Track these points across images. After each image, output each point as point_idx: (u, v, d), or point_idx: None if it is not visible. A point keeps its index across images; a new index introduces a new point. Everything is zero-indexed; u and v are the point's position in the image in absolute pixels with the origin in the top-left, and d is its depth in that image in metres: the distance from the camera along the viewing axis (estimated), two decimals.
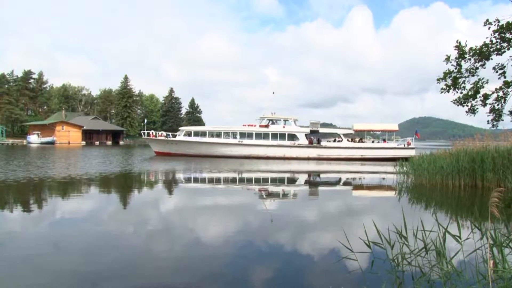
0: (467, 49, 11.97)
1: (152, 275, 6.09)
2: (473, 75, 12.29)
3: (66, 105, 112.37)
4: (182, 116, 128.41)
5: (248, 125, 42.56)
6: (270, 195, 15.71)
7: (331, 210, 12.65)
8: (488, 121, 12.79)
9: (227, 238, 8.68)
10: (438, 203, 14.04)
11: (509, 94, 12.24)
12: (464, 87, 12.57)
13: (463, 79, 12.43)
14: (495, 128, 13.32)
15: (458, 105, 13.05)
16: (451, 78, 12.43)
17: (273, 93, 46.36)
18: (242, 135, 41.19)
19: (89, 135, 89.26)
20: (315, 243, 8.27)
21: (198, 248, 7.76)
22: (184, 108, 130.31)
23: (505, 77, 11.87)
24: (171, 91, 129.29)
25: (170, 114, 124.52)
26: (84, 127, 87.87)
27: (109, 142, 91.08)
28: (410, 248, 4.66)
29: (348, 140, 42.19)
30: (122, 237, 8.63)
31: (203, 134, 42.25)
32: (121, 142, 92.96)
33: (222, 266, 6.73)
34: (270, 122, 41.95)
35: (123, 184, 18.68)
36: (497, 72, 11.95)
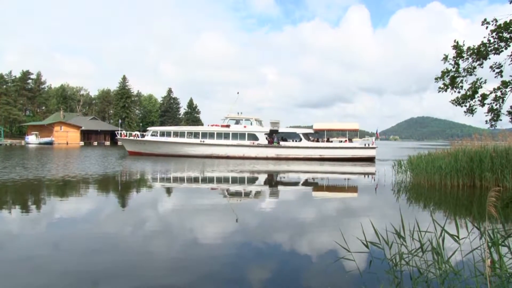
0: (465, 48, 11.99)
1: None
2: (471, 74, 12.31)
3: (64, 106, 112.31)
4: (180, 116, 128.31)
5: (213, 125, 43.68)
6: (235, 195, 15.68)
7: (326, 210, 12.65)
8: (486, 121, 12.80)
9: (209, 239, 8.67)
10: (436, 202, 14.06)
11: (507, 94, 12.26)
12: (462, 86, 12.58)
13: (461, 78, 12.45)
14: (493, 128, 13.35)
15: (456, 105, 13.06)
16: (449, 77, 12.44)
17: (238, 93, 47.26)
18: (204, 135, 42.07)
19: (87, 136, 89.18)
20: (312, 244, 8.26)
21: (184, 249, 7.75)
22: (183, 108, 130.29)
23: (501, 76, 11.89)
24: (170, 91, 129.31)
25: (169, 115, 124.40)
26: (83, 128, 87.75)
27: (108, 143, 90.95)
28: (408, 248, 4.66)
29: (311, 140, 42.20)
30: (90, 238, 8.61)
31: (169, 134, 43.38)
32: (119, 143, 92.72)
33: (218, 267, 6.72)
34: (235, 122, 42.50)
35: (99, 186, 18.68)
36: (494, 71, 11.97)
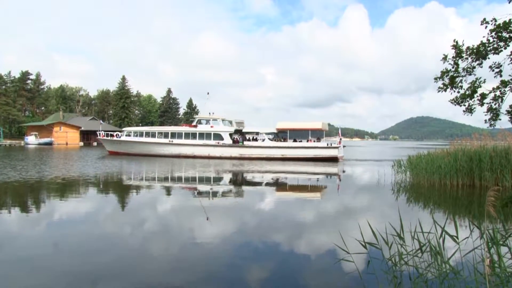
0: (464, 48, 11.97)
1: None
2: (470, 74, 12.29)
3: (63, 106, 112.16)
4: (180, 116, 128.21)
5: (184, 125, 45.37)
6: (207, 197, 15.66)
7: (321, 211, 12.64)
8: (485, 120, 12.77)
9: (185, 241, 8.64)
10: (436, 202, 14.06)
11: (506, 93, 12.24)
12: (461, 86, 12.57)
13: (460, 78, 12.43)
14: (492, 127, 13.31)
15: (455, 105, 13.01)
16: (448, 77, 12.42)
17: (208, 93, 48.62)
18: (173, 135, 43.18)
19: (87, 136, 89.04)
20: (310, 244, 8.24)
21: (180, 249, 7.74)
22: (182, 108, 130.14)
23: (501, 76, 11.87)
24: (169, 91, 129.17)
25: (168, 115, 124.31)
26: (82, 128, 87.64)
27: None
28: (407, 248, 4.64)
29: (281, 140, 42.42)
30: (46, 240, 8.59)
31: (141, 134, 44.69)
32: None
33: (216, 268, 6.70)
34: (205, 122, 43.34)
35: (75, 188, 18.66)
36: (493, 71, 11.96)
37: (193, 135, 42.37)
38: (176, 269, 6.52)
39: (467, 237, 4.40)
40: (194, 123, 44.00)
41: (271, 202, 14.11)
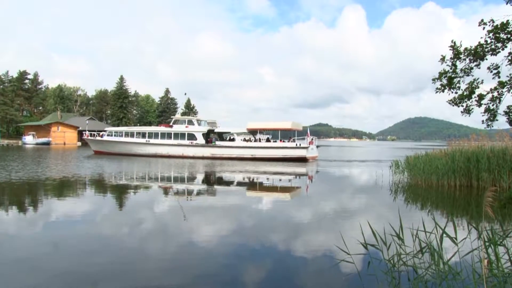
0: (462, 49, 12.02)
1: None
2: (468, 75, 12.35)
3: (61, 106, 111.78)
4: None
5: (162, 125, 47.39)
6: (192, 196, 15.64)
7: (319, 211, 12.64)
8: (483, 121, 12.84)
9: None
10: (433, 203, 14.08)
11: (503, 94, 12.30)
12: (459, 87, 12.62)
13: (458, 79, 12.48)
14: (490, 128, 13.38)
15: (453, 105, 13.10)
16: (446, 78, 12.47)
17: (185, 94, 49.94)
18: (150, 135, 44.31)
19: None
20: (310, 245, 8.24)
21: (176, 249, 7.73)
22: (180, 108, 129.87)
23: (499, 77, 11.93)
24: (167, 91, 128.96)
25: (166, 115, 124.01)
26: (80, 128, 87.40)
27: None
28: (406, 249, 4.65)
29: (244, 140, 42.93)
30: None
31: (121, 134, 46.10)
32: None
33: (213, 270, 6.69)
34: (181, 122, 44.57)
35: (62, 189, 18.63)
36: (491, 72, 12.01)
37: (169, 135, 43.50)
38: (170, 269, 6.52)
39: (466, 238, 4.41)
40: (171, 123, 45.12)
41: (245, 203, 14.14)
